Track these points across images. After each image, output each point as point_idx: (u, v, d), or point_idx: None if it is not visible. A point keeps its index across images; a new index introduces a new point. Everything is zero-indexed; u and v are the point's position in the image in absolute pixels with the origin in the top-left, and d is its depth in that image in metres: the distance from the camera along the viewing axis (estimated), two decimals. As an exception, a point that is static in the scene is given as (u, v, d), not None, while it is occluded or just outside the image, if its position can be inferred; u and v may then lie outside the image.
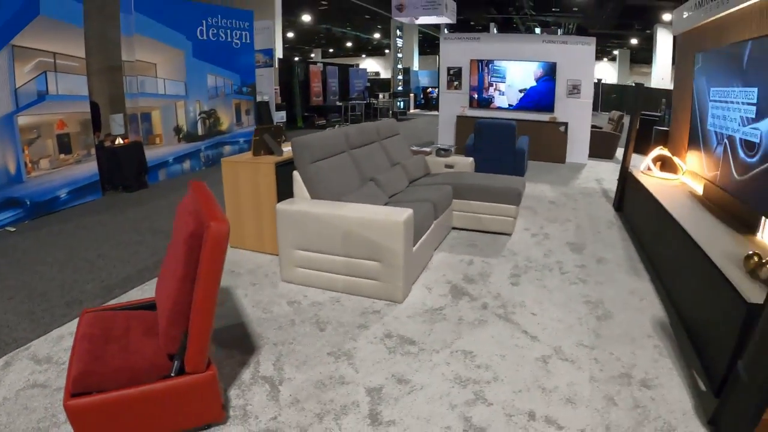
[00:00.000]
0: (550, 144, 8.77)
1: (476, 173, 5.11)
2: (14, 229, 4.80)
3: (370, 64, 37.25)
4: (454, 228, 4.69)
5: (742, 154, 3.22)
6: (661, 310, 3.21)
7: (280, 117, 11.29)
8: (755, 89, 3.04)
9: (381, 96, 17.63)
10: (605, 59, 34.70)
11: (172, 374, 1.79)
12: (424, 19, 14.87)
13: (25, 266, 3.82)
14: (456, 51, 9.45)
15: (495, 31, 22.63)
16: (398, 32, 19.58)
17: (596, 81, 29.61)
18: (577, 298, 3.35)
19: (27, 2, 5.11)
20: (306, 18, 23.14)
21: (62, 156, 5.60)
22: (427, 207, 3.67)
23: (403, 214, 3.03)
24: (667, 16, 19.36)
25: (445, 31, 18.62)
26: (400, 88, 20.52)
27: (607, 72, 33.83)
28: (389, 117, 17.94)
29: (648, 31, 22.48)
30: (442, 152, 5.24)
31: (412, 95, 23.14)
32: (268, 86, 10.42)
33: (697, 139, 4.36)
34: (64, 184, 5.60)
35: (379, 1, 18.16)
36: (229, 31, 7.89)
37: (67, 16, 5.52)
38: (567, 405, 2.22)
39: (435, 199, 3.91)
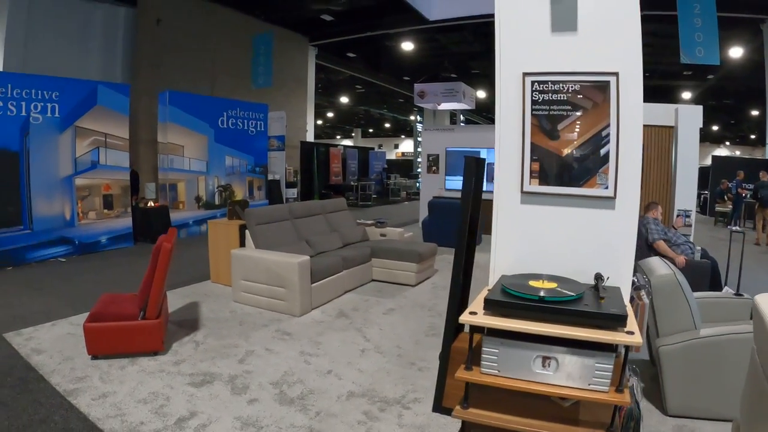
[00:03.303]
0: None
1: (395, 240, 7.16)
2: (65, 260, 7.25)
3: (408, 145, 39.87)
4: (374, 280, 6.68)
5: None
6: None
7: (291, 194, 13.78)
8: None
9: (392, 177, 20.07)
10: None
11: (140, 319, 3.93)
12: (444, 106, 17.40)
13: (70, 282, 6.22)
14: (434, 140, 11.84)
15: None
16: (419, 117, 22.22)
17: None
18: (424, 324, 5.09)
19: (88, 94, 7.87)
20: (344, 100, 26.38)
21: (106, 211, 8.17)
22: (335, 259, 5.77)
23: (301, 258, 5.16)
24: (686, 95, 21.23)
25: (461, 117, 21.21)
26: (419, 170, 22.96)
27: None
28: (402, 196, 20.30)
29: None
30: (379, 224, 7.36)
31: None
32: (279, 167, 12.96)
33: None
34: (105, 232, 8.19)
35: (410, 85, 21.01)
36: (245, 120, 10.61)
37: (117, 106, 8.31)
38: (355, 371, 3.92)
39: (347, 255, 6.02)
